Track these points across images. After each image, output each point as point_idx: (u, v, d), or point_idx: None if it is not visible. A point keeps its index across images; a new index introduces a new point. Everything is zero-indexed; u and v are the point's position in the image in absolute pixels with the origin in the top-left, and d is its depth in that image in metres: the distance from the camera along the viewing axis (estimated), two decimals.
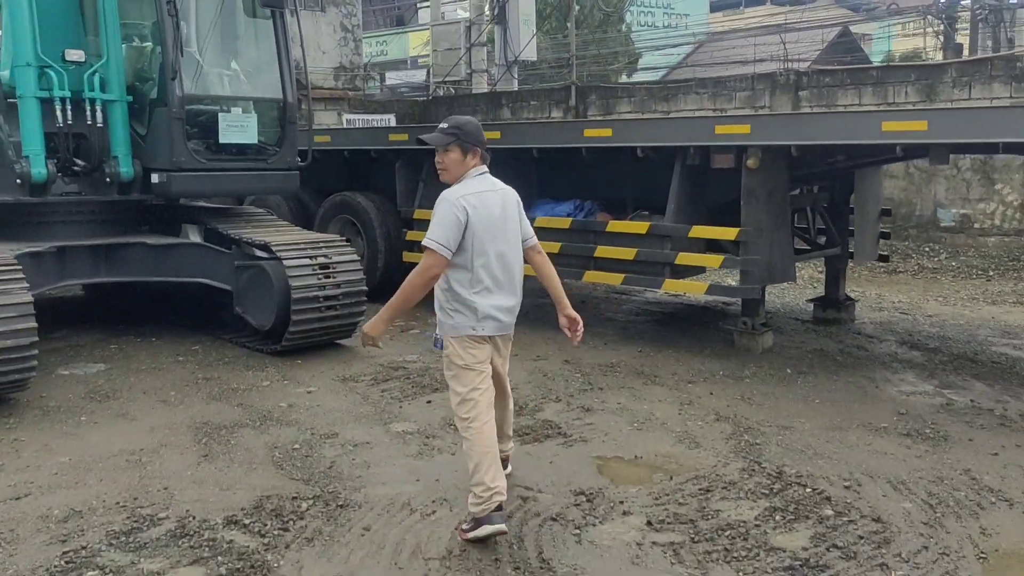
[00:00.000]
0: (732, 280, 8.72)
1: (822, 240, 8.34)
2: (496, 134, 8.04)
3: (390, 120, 17.31)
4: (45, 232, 7.17)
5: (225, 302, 7.39)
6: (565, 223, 7.76)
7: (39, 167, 6.85)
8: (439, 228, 3.81)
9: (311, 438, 5.25)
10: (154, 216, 8.17)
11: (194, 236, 7.70)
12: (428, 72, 19.30)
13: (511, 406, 4.42)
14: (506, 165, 8.12)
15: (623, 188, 8.15)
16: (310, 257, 7.08)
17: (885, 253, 8.52)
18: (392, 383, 6.42)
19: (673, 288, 7.68)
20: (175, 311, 8.30)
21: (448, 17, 18.50)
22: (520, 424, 5.26)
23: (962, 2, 25.17)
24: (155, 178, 7.22)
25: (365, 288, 7.31)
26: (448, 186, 3.97)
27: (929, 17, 25.22)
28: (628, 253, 7.31)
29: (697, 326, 8.42)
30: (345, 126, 15.15)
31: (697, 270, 7.85)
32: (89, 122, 7.06)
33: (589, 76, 21.01)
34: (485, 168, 4.03)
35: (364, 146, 9.21)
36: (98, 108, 7.07)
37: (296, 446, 5.11)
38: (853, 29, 33.03)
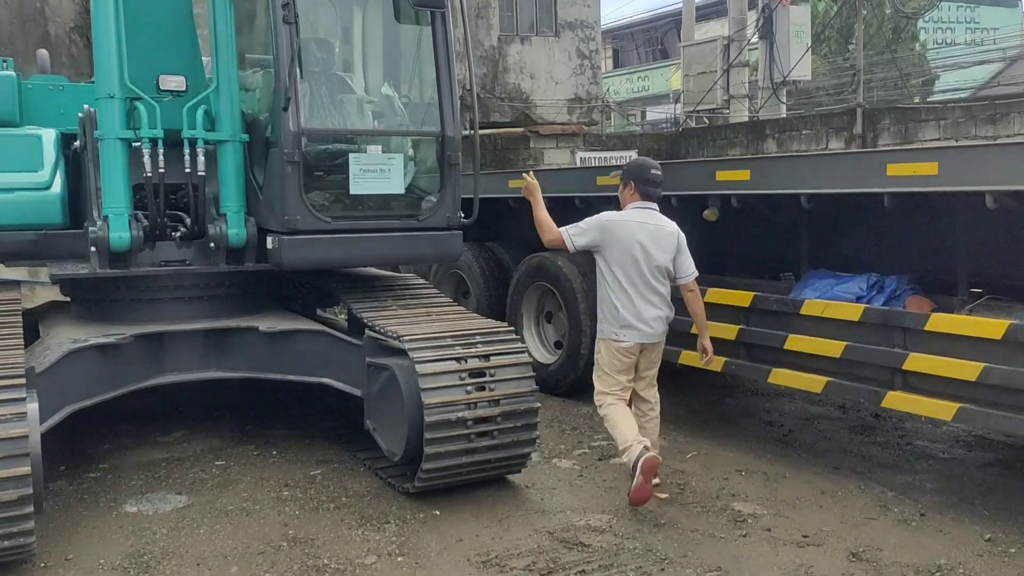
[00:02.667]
0: None
1: None
2: (743, 173, 5.41)
3: (632, 156, 14.95)
4: (133, 314, 5.51)
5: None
6: (853, 311, 4.94)
7: (120, 230, 5.19)
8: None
9: None
10: (296, 290, 6.37)
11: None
12: (677, 100, 16.78)
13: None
14: (757, 219, 5.48)
15: (950, 256, 5.20)
16: (456, 359, 4.84)
17: None
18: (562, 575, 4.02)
19: None
20: (326, 405, 6.43)
21: (705, 37, 15.87)
22: None
23: None
24: (268, 242, 5.35)
25: (536, 405, 4.96)
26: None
27: None
28: (970, 370, 4.37)
29: None
30: (578, 165, 12.99)
31: None
32: (188, 169, 5.32)
33: (877, 102, 17.46)
34: (650, 204, 4.97)
35: (565, 192, 6.90)
36: (200, 151, 5.32)
37: None
38: None
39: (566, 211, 7.14)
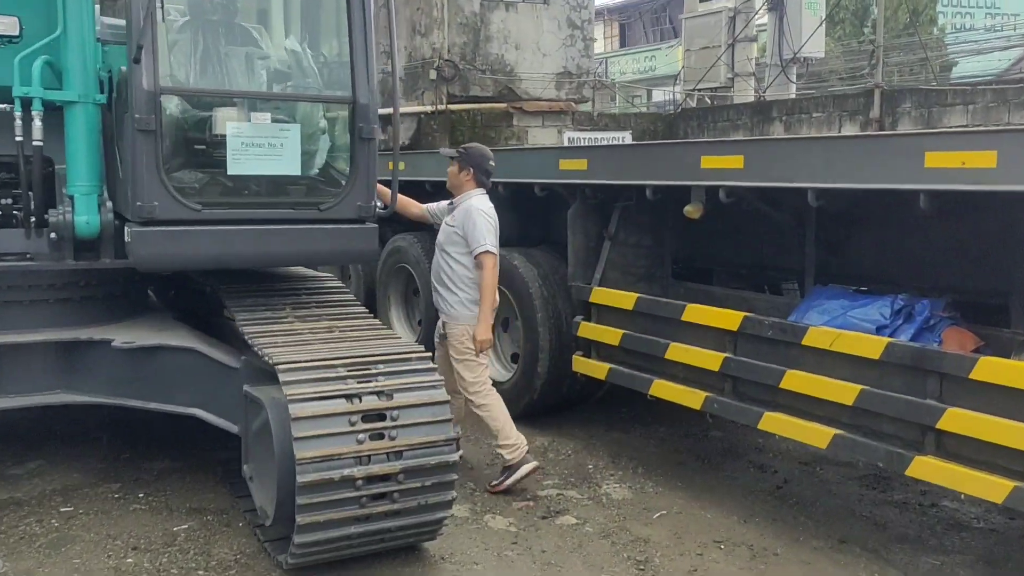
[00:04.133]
0: None
1: None
2: (735, 160, 4.19)
3: (625, 139, 13.71)
4: None
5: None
6: (872, 346, 3.73)
7: None
8: (490, 234, 4.81)
9: None
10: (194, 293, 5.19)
11: None
12: (676, 79, 15.49)
13: None
14: (752, 217, 4.29)
15: (1002, 275, 4.01)
16: (347, 396, 3.67)
17: None
18: None
19: None
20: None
21: (709, 8, 14.54)
22: None
23: None
24: (126, 234, 4.16)
25: (454, 457, 3.78)
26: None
27: None
28: None
29: None
30: (566, 146, 11.73)
31: None
32: (20, 137, 4.13)
33: (898, 83, 16.15)
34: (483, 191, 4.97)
35: (521, 178, 5.70)
36: (36, 114, 4.12)
37: None
38: None
39: (532, 203, 5.95)
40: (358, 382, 3.75)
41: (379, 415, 3.70)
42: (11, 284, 4.46)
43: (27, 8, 4.28)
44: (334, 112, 4.48)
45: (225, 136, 4.09)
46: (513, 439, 4.87)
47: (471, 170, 4.92)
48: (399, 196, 4.97)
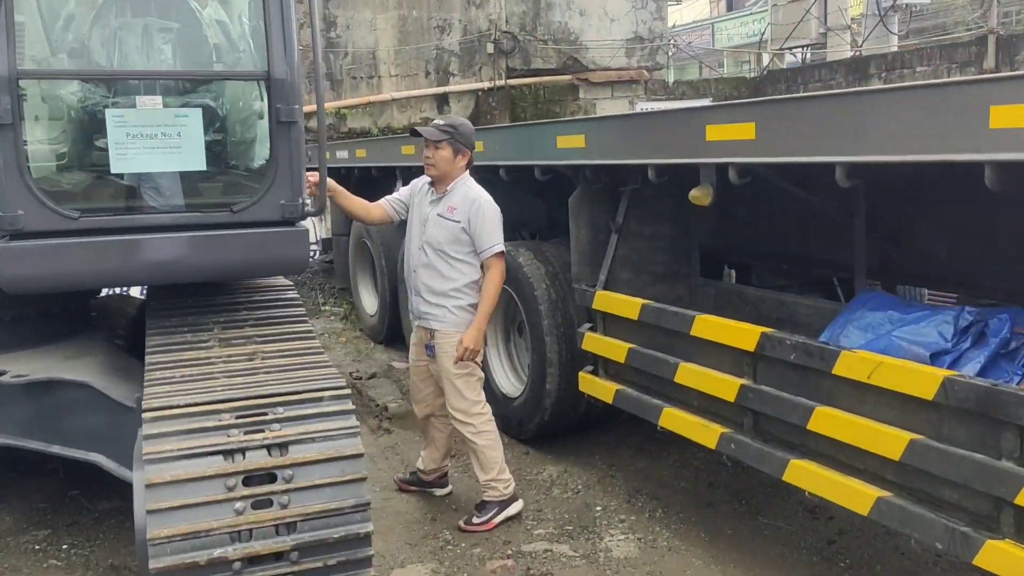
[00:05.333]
0: None
1: None
2: (745, 129, 3.17)
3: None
4: None
5: None
6: (924, 382, 2.66)
7: None
8: (499, 231, 4.03)
9: None
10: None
11: None
12: (762, 37, 14.08)
13: None
14: (795, 203, 3.32)
15: None
16: (224, 452, 2.88)
17: None
18: None
19: None
20: None
21: None
22: None
23: None
24: None
25: (367, 528, 2.94)
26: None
27: None
28: None
29: None
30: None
31: None
32: None
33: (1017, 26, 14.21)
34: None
35: (517, 159, 4.77)
36: None
37: None
38: None
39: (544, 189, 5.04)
40: (245, 432, 2.97)
41: (268, 475, 2.91)
42: None
43: None
44: (247, 92, 3.68)
45: (104, 127, 3.35)
46: (508, 472, 4.23)
47: (466, 151, 4.08)
48: (352, 200, 4.26)
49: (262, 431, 2.99)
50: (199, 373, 3.37)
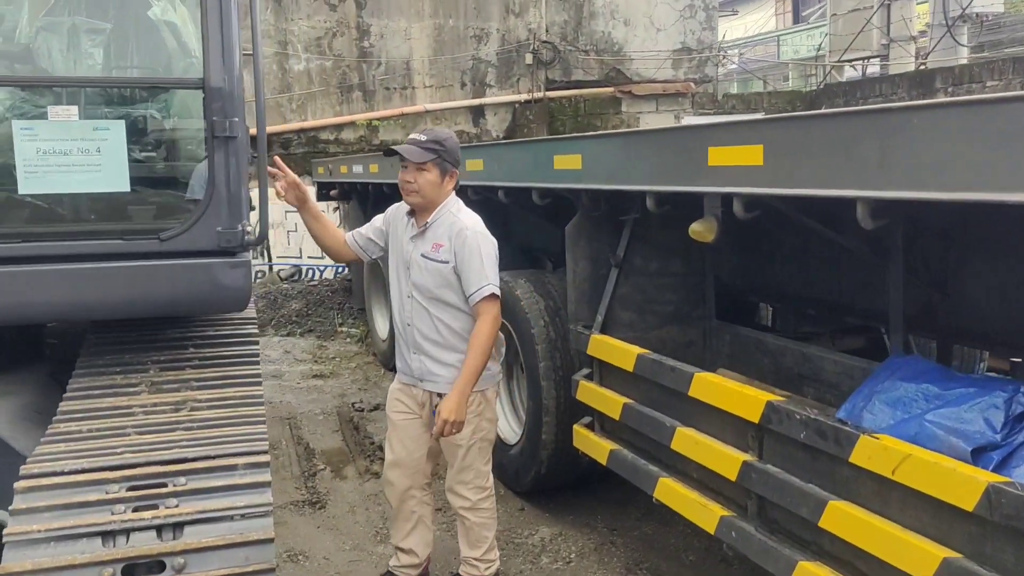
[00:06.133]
0: None
1: None
2: (752, 153, 2.59)
3: None
4: None
5: None
6: (965, 487, 2.06)
7: None
8: (495, 268, 3.29)
9: None
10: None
11: None
12: (819, 48, 13.31)
13: None
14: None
15: None
16: (103, 533, 2.41)
17: None
18: None
19: None
20: None
21: None
22: None
23: None
24: None
25: None
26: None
27: None
28: None
29: None
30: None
31: None
32: None
33: None
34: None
35: (512, 181, 4.26)
36: None
37: None
38: None
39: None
40: (134, 508, 2.49)
41: (156, 563, 2.43)
42: None
43: None
44: (181, 102, 3.23)
45: (11, 143, 2.93)
46: (496, 551, 3.60)
47: (454, 172, 3.33)
48: (322, 224, 3.52)
49: (155, 507, 2.51)
50: (108, 428, 2.92)
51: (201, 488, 2.57)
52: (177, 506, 2.51)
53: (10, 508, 2.46)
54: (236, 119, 3.10)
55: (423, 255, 3.28)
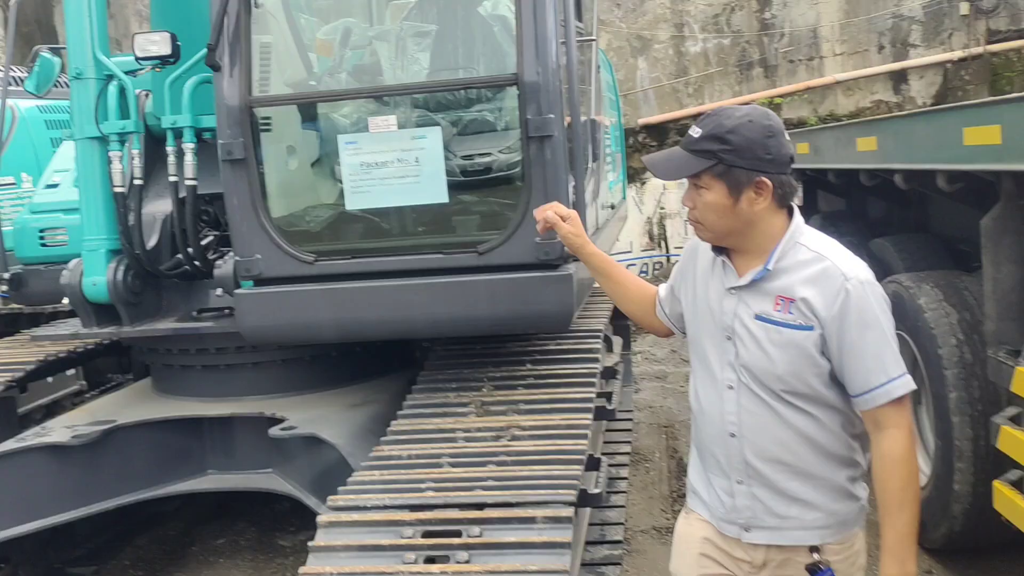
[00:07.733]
0: None
1: None
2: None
3: None
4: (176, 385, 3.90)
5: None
6: None
7: (95, 272, 3.57)
8: (894, 344, 1.91)
9: None
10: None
11: None
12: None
13: None
14: None
15: None
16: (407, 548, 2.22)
17: None
18: None
19: None
20: None
21: None
22: None
23: None
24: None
25: None
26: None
27: None
28: None
29: None
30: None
31: None
32: (173, 176, 3.46)
33: None
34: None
35: (903, 164, 3.36)
36: (187, 148, 3.41)
37: None
38: None
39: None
40: (424, 559, 2.26)
41: None
42: (217, 347, 3.82)
43: (181, 17, 3.57)
44: (497, 100, 2.95)
45: (336, 160, 2.89)
46: None
47: (761, 181, 1.90)
48: (615, 273, 2.34)
49: (446, 559, 2.25)
50: (425, 455, 2.76)
51: (493, 543, 2.27)
52: (468, 561, 2.23)
53: (310, 544, 2.36)
54: (552, 116, 2.75)
55: (758, 316, 1.96)
